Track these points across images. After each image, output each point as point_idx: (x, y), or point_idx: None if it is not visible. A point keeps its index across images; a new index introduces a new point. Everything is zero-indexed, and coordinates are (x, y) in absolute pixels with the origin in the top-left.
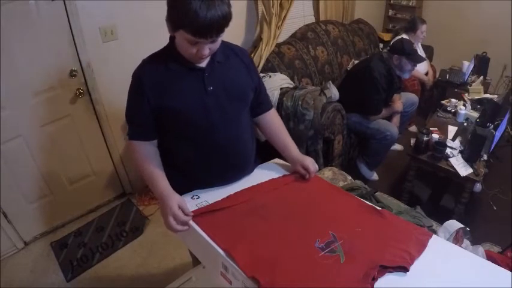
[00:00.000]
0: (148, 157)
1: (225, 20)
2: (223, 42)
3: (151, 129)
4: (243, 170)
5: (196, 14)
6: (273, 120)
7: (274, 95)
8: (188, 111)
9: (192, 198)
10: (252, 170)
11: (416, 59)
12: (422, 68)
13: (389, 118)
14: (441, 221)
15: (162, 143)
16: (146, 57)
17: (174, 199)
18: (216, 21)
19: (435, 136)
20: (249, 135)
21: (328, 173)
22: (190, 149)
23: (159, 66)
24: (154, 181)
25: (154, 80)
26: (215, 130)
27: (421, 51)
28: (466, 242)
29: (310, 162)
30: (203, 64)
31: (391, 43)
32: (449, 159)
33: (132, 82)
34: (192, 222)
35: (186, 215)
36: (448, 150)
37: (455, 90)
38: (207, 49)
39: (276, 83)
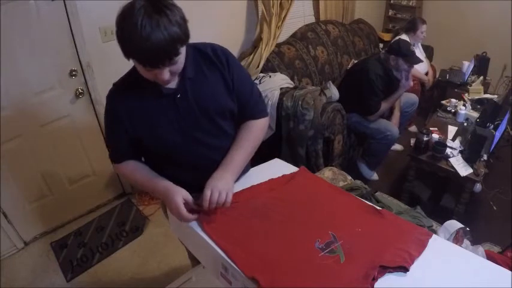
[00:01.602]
0: (137, 168)
1: (174, 42)
2: (193, 46)
3: (133, 153)
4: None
5: (139, 44)
6: (240, 131)
7: (274, 95)
8: (166, 139)
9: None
10: (246, 171)
11: (412, 61)
12: (422, 68)
13: (389, 118)
14: (441, 221)
15: (149, 164)
16: (117, 81)
17: (178, 193)
18: (164, 47)
19: (435, 136)
20: None
21: (328, 173)
22: (178, 168)
23: (130, 94)
24: (151, 184)
25: (128, 109)
26: (200, 149)
27: (421, 51)
28: (466, 242)
29: (216, 190)
30: (173, 85)
31: (389, 44)
32: (449, 159)
33: (107, 109)
34: (191, 223)
35: (192, 208)
36: (448, 150)
37: (455, 90)
38: (167, 73)
39: (276, 83)
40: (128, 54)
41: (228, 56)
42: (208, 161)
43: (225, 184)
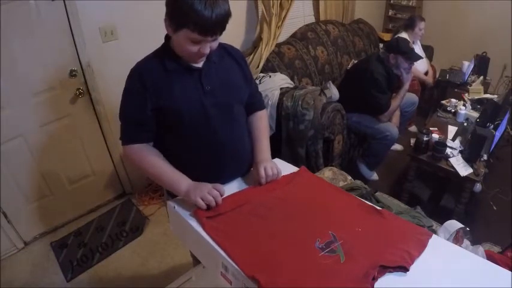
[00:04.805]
0: (149, 155)
1: (227, 17)
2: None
3: (150, 129)
4: (242, 169)
5: (202, 12)
6: (256, 121)
7: (274, 95)
8: (187, 111)
9: None
10: (250, 168)
11: (412, 57)
12: (422, 67)
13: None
14: (441, 221)
15: (160, 143)
16: (141, 60)
17: (206, 184)
18: (221, 19)
19: (435, 136)
20: (247, 134)
21: (328, 173)
22: (189, 148)
23: (155, 67)
24: (174, 180)
25: (153, 79)
26: (214, 129)
27: (420, 50)
28: (466, 242)
29: (269, 167)
30: (199, 64)
31: (388, 42)
32: (449, 159)
33: (130, 81)
34: (191, 223)
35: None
36: (448, 150)
37: (455, 90)
38: (209, 47)
39: (276, 83)
40: (184, 23)
41: (242, 54)
42: (214, 144)
43: (271, 162)
